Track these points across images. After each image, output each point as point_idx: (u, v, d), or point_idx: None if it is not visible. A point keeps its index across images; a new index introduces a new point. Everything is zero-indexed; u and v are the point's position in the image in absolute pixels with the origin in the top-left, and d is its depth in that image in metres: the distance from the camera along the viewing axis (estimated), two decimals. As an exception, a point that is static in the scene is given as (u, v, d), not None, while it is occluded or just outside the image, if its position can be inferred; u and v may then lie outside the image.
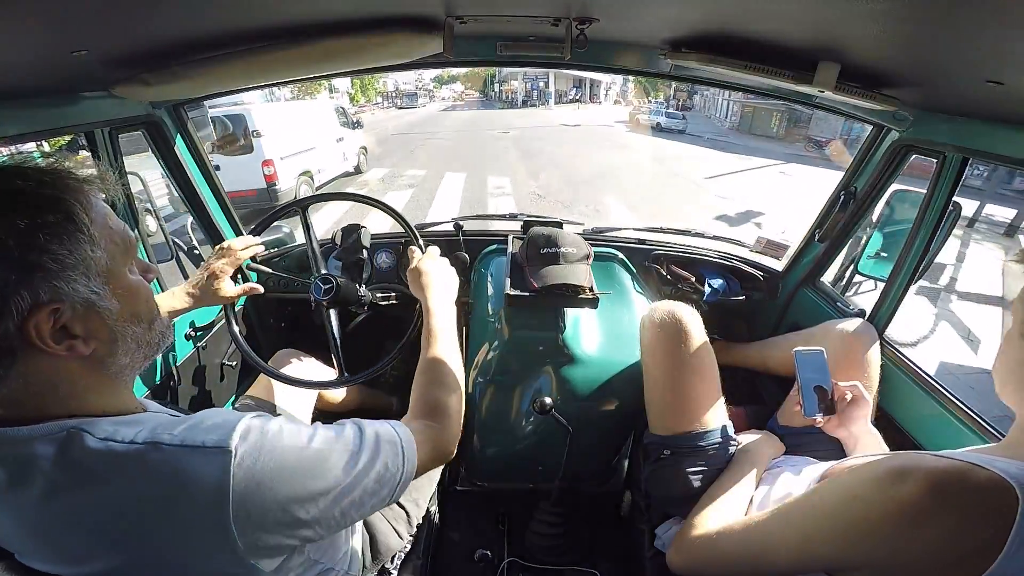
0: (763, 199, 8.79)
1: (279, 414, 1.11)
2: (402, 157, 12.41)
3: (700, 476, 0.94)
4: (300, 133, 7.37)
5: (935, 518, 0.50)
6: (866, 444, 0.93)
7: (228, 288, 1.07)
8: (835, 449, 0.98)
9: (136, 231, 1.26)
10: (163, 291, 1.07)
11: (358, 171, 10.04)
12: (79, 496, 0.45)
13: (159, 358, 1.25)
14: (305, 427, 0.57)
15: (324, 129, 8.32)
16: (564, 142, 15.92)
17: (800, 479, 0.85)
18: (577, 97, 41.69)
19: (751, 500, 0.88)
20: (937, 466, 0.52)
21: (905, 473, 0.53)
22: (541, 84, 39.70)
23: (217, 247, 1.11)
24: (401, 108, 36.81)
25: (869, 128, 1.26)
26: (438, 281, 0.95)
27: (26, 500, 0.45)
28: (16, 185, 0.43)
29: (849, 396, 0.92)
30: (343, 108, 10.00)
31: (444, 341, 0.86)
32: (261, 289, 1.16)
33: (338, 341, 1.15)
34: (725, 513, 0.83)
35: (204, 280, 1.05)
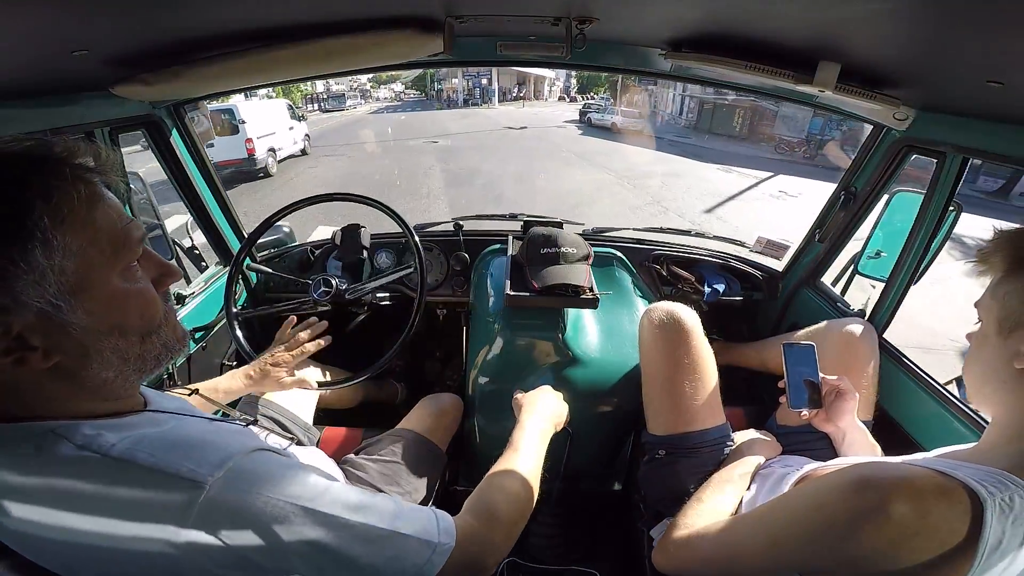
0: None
1: (280, 418, 1.12)
2: (270, 191, 9.01)
3: (694, 476, 0.93)
4: (266, 121, 10.73)
5: (898, 527, 0.49)
6: (853, 439, 0.92)
7: (287, 379, 1.09)
8: (832, 449, 0.98)
9: None
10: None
11: (304, 153, 12.95)
12: (48, 501, 0.43)
13: None
14: (325, 476, 0.53)
15: (280, 120, 11.78)
16: (508, 154, 13.10)
17: (792, 480, 0.84)
18: (521, 94, 38.97)
19: (741, 500, 0.87)
20: (899, 475, 0.52)
21: (868, 483, 0.53)
22: (484, 81, 35.99)
23: (285, 339, 1.12)
24: (326, 112, 32.33)
25: (846, 128, 1.26)
26: (543, 409, 0.96)
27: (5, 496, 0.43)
28: None
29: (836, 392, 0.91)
30: (291, 104, 13.17)
31: (524, 454, 0.83)
32: (315, 387, 1.17)
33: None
34: (709, 514, 0.82)
35: (266, 366, 1.07)
